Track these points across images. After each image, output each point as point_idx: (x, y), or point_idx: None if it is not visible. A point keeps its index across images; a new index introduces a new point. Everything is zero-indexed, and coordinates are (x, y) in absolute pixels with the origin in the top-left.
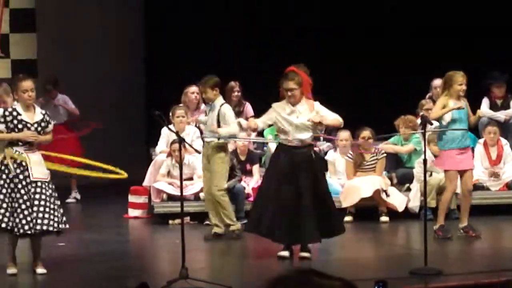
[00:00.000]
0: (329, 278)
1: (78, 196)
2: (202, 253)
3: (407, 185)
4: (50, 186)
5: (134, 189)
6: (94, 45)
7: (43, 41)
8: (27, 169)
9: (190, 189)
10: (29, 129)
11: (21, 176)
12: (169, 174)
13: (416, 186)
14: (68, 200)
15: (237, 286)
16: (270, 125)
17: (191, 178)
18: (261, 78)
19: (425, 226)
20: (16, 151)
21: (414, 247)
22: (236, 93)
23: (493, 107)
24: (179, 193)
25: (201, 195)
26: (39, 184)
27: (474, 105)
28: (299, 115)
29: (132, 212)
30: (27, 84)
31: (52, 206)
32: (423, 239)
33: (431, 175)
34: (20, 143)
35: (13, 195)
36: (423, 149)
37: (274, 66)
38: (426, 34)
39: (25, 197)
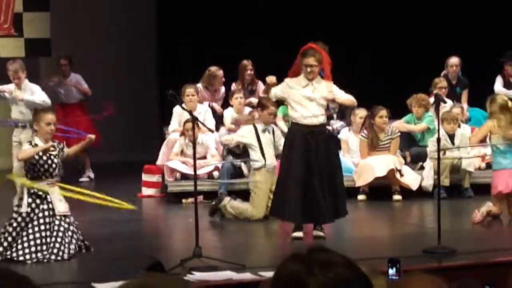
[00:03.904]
0: (332, 254)
1: (92, 175)
2: (215, 232)
3: (420, 163)
4: (69, 220)
5: (147, 168)
6: (107, 23)
7: (56, 20)
8: (49, 203)
9: (204, 168)
10: (49, 158)
11: (38, 210)
12: (182, 153)
13: (429, 165)
14: (82, 179)
15: (251, 265)
16: (280, 103)
17: (204, 157)
18: (274, 57)
19: (438, 205)
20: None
21: (428, 225)
22: (249, 72)
23: (507, 85)
24: (192, 172)
25: (215, 174)
26: (62, 218)
27: (488, 84)
28: (314, 90)
29: (146, 191)
30: (52, 117)
31: (67, 239)
32: (436, 218)
33: (444, 153)
34: (45, 177)
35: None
36: (437, 128)
37: (287, 44)
38: (440, 12)
39: (42, 227)
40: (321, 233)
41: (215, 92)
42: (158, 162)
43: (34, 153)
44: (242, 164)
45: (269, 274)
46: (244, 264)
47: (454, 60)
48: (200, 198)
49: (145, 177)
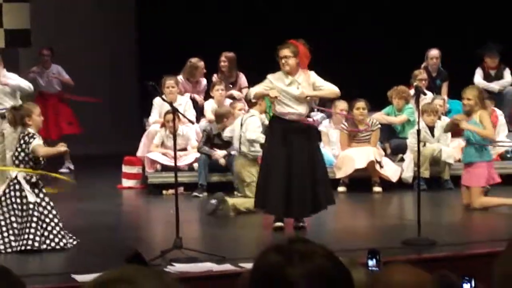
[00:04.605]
0: (312, 245)
1: (72, 166)
2: (196, 223)
3: (400, 155)
4: None
5: (128, 160)
6: (87, 14)
7: (36, 11)
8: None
9: (184, 159)
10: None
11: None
12: (162, 144)
13: (409, 157)
14: (62, 170)
15: (231, 256)
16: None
17: (185, 149)
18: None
19: (418, 197)
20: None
21: (408, 217)
22: (222, 63)
23: (487, 77)
24: (173, 164)
25: (195, 165)
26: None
27: (468, 76)
28: (299, 86)
29: (126, 183)
30: (39, 108)
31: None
32: (416, 210)
33: (424, 145)
34: (37, 169)
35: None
36: (417, 120)
37: (269, 38)
38: (421, 4)
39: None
40: (302, 224)
41: (197, 84)
42: (139, 153)
43: (56, 154)
44: (219, 156)
45: (250, 265)
46: (224, 256)
47: (434, 52)
48: (181, 189)
49: (125, 169)
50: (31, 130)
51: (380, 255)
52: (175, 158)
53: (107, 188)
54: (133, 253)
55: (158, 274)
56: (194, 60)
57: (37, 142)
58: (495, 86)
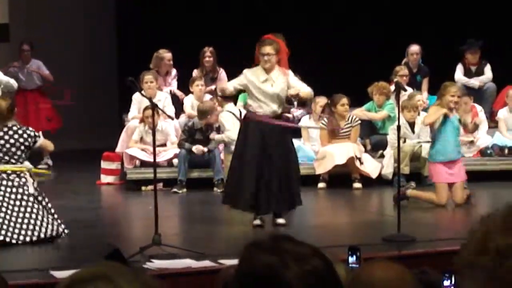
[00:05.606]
0: (299, 244)
1: (50, 162)
2: (175, 220)
3: (380, 151)
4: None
5: (106, 155)
6: (66, 9)
7: (15, 5)
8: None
9: (163, 155)
10: None
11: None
12: (141, 140)
13: (389, 153)
14: (40, 166)
15: (210, 252)
16: (240, 91)
17: (164, 144)
18: (236, 44)
19: (398, 193)
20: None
21: (387, 213)
22: (207, 58)
23: (467, 73)
24: (152, 159)
25: (174, 161)
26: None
27: (449, 72)
28: (273, 84)
29: (105, 179)
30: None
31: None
32: (396, 206)
33: (404, 141)
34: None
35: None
36: (397, 116)
37: (249, 33)
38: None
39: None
40: (282, 221)
41: (166, 76)
42: (118, 149)
43: None
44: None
45: (229, 262)
46: (203, 252)
47: (414, 48)
48: (160, 185)
49: (104, 164)
50: (15, 123)
51: (361, 252)
52: (154, 154)
53: (85, 184)
54: (112, 249)
55: (135, 272)
56: (161, 50)
57: (43, 138)
58: (475, 82)
